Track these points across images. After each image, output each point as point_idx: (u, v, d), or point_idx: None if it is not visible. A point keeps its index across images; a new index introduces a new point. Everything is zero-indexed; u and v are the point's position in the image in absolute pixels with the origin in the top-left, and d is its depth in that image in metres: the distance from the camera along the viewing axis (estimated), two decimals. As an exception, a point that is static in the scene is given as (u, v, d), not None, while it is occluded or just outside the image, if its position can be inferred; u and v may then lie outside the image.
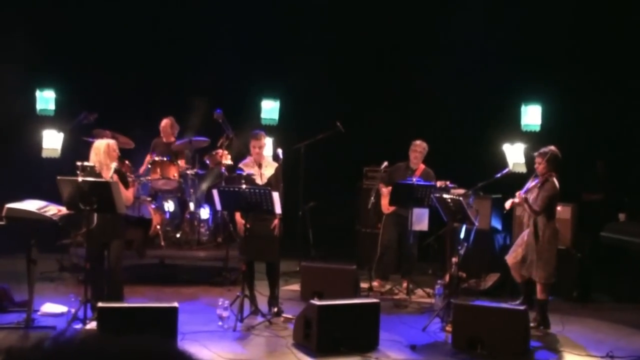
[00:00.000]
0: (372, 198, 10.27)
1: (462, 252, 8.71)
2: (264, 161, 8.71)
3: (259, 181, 8.53)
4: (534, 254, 8.30)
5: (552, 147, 8.47)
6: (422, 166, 10.30)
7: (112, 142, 8.23)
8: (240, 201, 8.06)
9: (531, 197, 8.37)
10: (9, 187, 9.81)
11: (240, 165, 8.78)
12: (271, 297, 8.68)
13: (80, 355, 1.10)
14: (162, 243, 10.45)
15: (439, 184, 9.86)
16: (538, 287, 8.36)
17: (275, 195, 7.97)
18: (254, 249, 8.42)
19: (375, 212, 10.65)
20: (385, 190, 10.22)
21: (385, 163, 10.35)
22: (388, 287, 10.15)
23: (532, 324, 8.16)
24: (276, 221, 8.50)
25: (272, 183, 8.52)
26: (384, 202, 10.33)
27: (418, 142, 10.33)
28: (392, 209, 10.22)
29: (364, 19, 13.03)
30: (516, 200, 8.55)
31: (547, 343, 7.82)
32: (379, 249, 10.36)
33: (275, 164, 8.76)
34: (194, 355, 1.23)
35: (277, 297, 8.67)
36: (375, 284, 10.12)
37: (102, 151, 7.97)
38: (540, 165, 8.37)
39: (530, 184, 8.48)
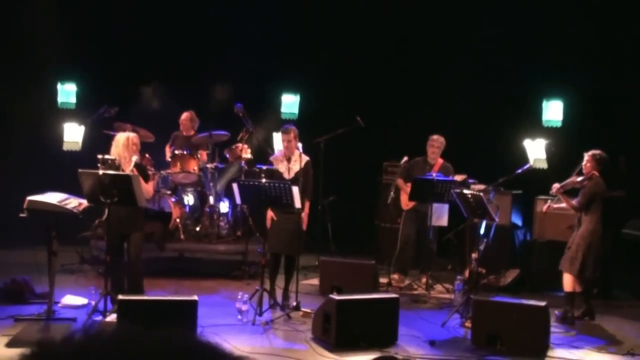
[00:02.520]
0: (392, 194, 10.26)
1: (481, 247, 8.67)
2: (294, 155, 8.73)
3: (286, 175, 8.58)
4: (576, 246, 8.32)
5: (601, 151, 8.53)
6: (440, 160, 10.26)
7: (132, 135, 8.25)
8: (259, 195, 8.07)
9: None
10: (30, 180, 9.88)
11: (271, 159, 8.93)
12: (285, 290, 8.72)
13: (110, 349, 1.10)
14: (182, 236, 10.48)
15: (457, 177, 9.83)
16: (567, 278, 8.35)
17: (295, 190, 7.97)
18: (279, 241, 8.50)
19: (394, 207, 10.62)
20: (405, 186, 10.19)
21: (406, 158, 10.30)
22: (407, 282, 10.14)
23: (561, 315, 8.19)
24: (304, 215, 8.56)
25: (299, 177, 8.54)
26: (404, 197, 10.31)
27: (435, 136, 10.29)
28: (411, 204, 10.18)
29: (386, 12, 12.98)
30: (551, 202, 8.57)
31: (567, 339, 7.77)
32: (398, 243, 10.35)
33: (306, 158, 8.78)
34: (220, 346, 1.22)
35: (289, 291, 8.68)
36: (394, 277, 10.12)
37: (122, 144, 8.00)
38: (587, 164, 8.44)
39: (573, 179, 8.49)
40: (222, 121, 11.15)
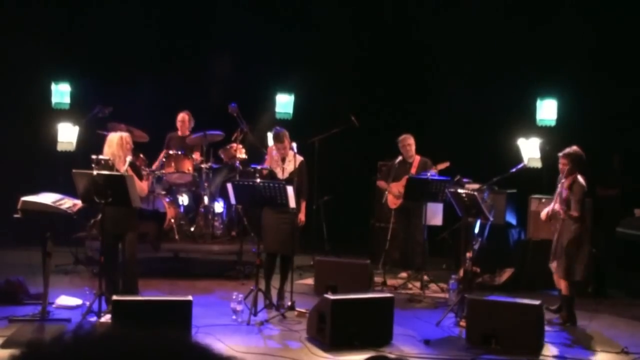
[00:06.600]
0: (383, 200, 10.36)
1: (476, 247, 8.68)
2: (288, 156, 8.73)
3: (280, 175, 8.59)
4: (562, 249, 8.25)
5: (576, 147, 8.37)
6: (418, 157, 10.45)
7: (125, 134, 8.24)
8: (254, 195, 8.07)
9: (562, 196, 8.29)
10: (24, 180, 9.87)
11: (266, 164, 8.91)
12: (280, 290, 8.73)
13: (100, 349, 1.10)
14: (177, 237, 10.47)
15: (440, 166, 10.01)
16: (562, 283, 8.32)
17: (290, 190, 7.97)
18: (275, 241, 8.52)
19: (388, 206, 10.66)
20: (389, 186, 10.26)
21: (400, 157, 10.34)
22: (403, 279, 10.16)
23: (559, 321, 8.17)
24: (301, 216, 8.62)
25: (293, 178, 8.55)
26: (390, 198, 10.43)
27: (402, 137, 10.52)
28: (399, 202, 10.28)
29: (380, 12, 12.99)
30: (556, 207, 8.41)
31: (561, 338, 7.78)
32: (387, 241, 10.41)
33: (300, 159, 8.80)
34: (211, 347, 1.22)
35: (284, 291, 8.69)
36: (404, 275, 10.29)
37: (116, 144, 7.99)
38: (565, 167, 8.30)
39: (560, 189, 8.35)
40: (216, 121, 11.15)
